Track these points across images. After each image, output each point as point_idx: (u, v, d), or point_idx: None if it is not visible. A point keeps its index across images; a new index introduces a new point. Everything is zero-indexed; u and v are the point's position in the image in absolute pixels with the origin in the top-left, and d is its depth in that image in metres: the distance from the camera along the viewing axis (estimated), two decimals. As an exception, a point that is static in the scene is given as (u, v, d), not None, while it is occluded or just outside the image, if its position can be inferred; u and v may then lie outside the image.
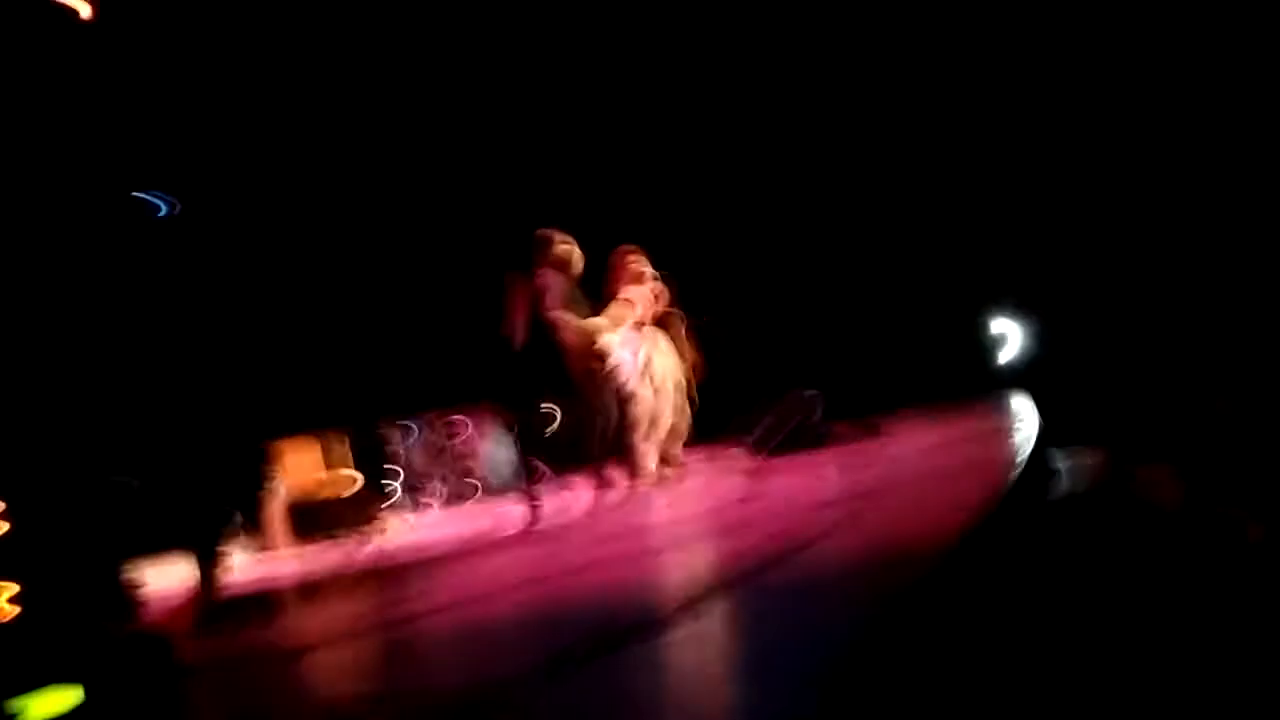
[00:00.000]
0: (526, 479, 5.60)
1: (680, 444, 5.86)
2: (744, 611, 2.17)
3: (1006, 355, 8.16)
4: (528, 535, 4.52)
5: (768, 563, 2.57)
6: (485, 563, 3.82)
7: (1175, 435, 4.96)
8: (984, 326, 8.27)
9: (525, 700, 1.78)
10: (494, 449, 6.59)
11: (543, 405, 6.29)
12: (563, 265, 5.35)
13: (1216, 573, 3.22)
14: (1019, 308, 8.20)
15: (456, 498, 6.51)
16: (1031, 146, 7.76)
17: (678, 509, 4.59)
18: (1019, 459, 3.92)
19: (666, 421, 5.63)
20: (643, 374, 5.59)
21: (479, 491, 6.38)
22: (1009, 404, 6.22)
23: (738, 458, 5.80)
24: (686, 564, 2.94)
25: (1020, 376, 7.48)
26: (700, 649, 1.96)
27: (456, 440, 6.49)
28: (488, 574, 3.50)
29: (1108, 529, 3.86)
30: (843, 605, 2.06)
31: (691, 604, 2.20)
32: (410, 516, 6.34)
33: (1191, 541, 3.60)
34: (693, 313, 6.07)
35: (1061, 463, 4.68)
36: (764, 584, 2.37)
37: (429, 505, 6.47)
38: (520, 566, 3.46)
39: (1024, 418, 5.45)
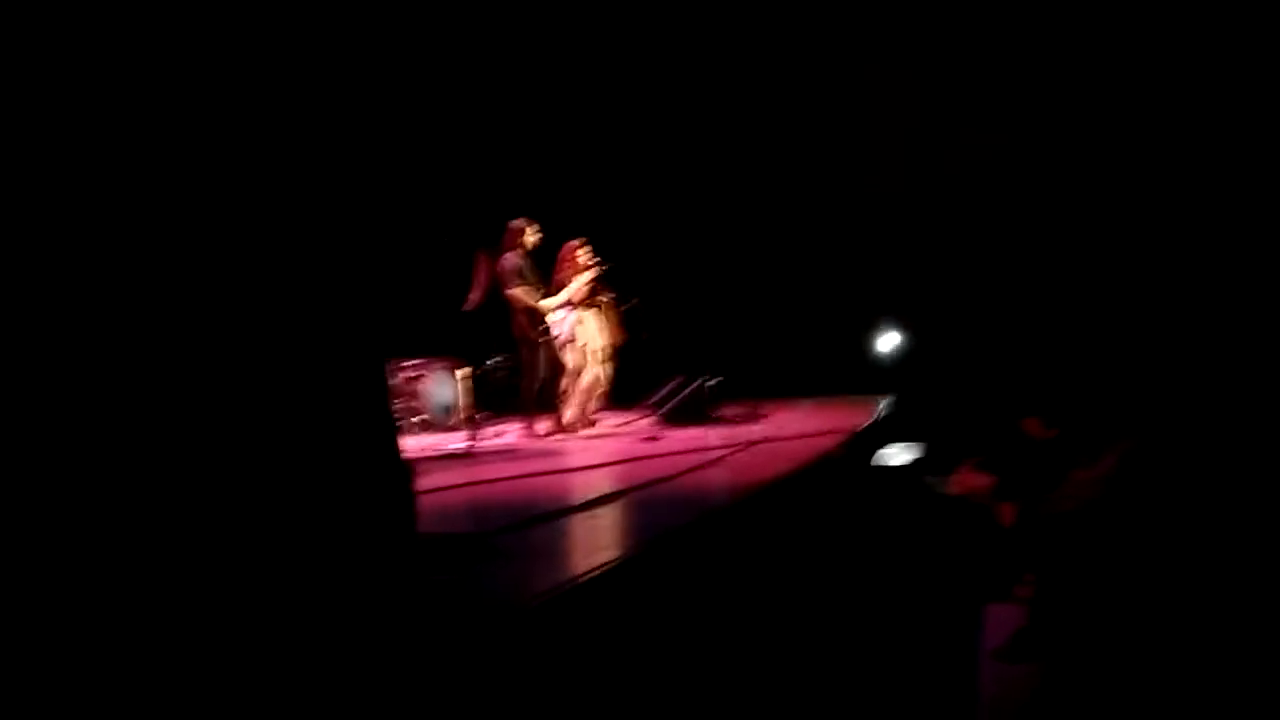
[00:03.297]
0: (467, 419, 6.90)
1: (598, 404, 7.22)
2: (627, 508, 3.54)
3: (884, 359, 9.77)
4: (463, 455, 5.77)
5: (654, 482, 3.96)
6: (429, 469, 5.03)
7: (992, 443, 6.45)
8: (868, 331, 9.86)
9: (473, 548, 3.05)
10: (439, 391, 7.82)
11: (489, 361, 7.64)
12: (524, 248, 6.73)
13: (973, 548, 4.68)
14: (899, 317, 9.79)
15: (402, 428, 7.71)
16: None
17: (590, 446, 5.95)
18: (858, 442, 5.39)
19: (589, 384, 6.98)
20: (574, 343, 6.93)
21: (423, 425, 7.60)
22: (874, 401, 7.75)
23: (643, 419, 7.20)
24: (592, 478, 4.31)
25: (890, 379, 9.07)
26: (590, 527, 3.31)
27: (405, 377, 7.69)
28: (429, 480, 4.69)
29: (911, 504, 5.31)
30: (696, 509, 3.44)
31: (590, 504, 3.56)
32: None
33: (962, 519, 5.04)
34: (622, 296, 7.38)
35: (896, 453, 6.19)
36: (647, 495, 3.75)
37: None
38: (457, 474, 4.68)
39: (880, 412, 6.98)
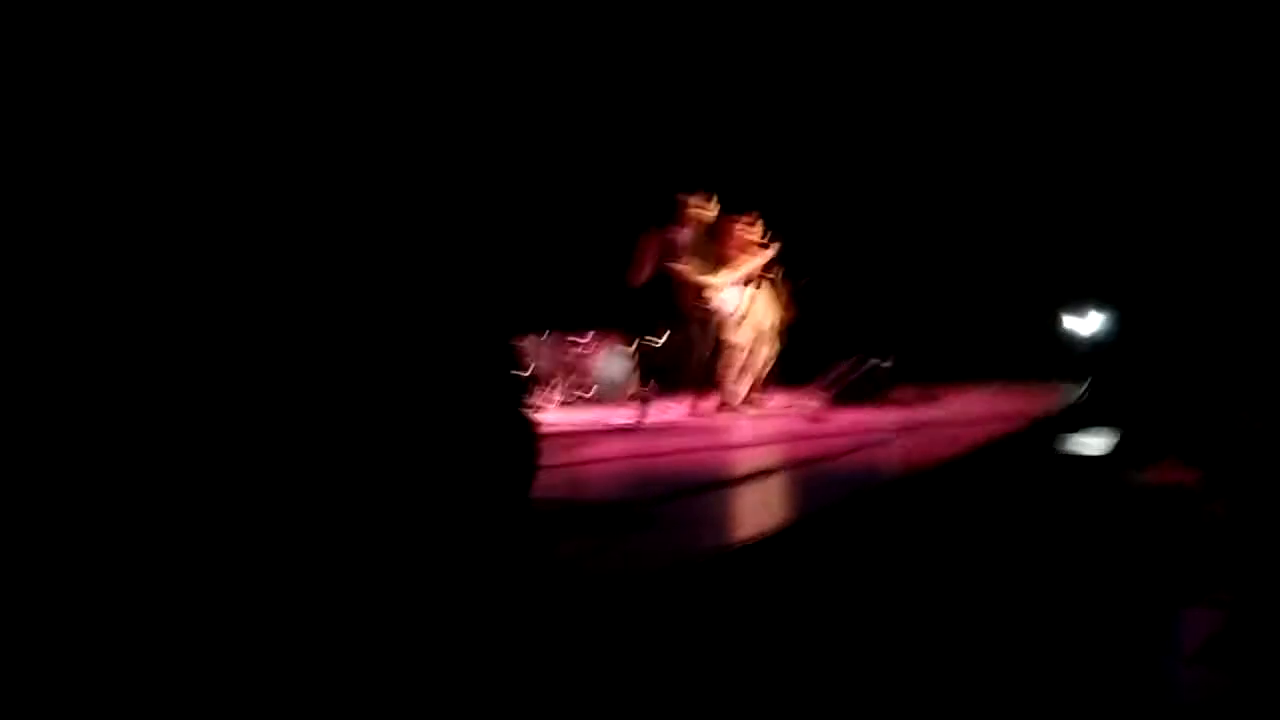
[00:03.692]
0: (634, 395, 7.00)
1: (764, 383, 7.13)
2: (786, 484, 3.48)
3: (1081, 343, 9.09)
4: (629, 430, 5.84)
5: (817, 459, 3.87)
6: (595, 441, 5.13)
7: (1199, 436, 5.91)
8: (1062, 313, 9.20)
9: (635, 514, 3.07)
10: (608, 366, 7.96)
11: (656, 338, 7.70)
12: (695, 223, 6.72)
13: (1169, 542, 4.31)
14: (1101, 298, 9.08)
15: (571, 401, 7.92)
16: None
17: (753, 424, 5.88)
18: (1044, 428, 5.05)
19: (755, 362, 6.89)
20: (741, 321, 6.86)
21: (591, 400, 7.76)
22: (1065, 387, 7.24)
23: (811, 400, 7.04)
24: (752, 455, 4.25)
25: (1086, 364, 8.44)
26: (745, 501, 3.26)
27: (577, 352, 7.87)
28: (596, 450, 4.79)
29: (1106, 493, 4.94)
30: (857, 487, 3.33)
31: (747, 478, 3.51)
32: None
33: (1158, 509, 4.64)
34: (793, 273, 7.24)
35: (1088, 441, 5.76)
36: (809, 471, 3.66)
37: (548, 403, 7.84)
38: (621, 447, 4.75)
39: (1071, 398, 6.53)
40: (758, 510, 3.13)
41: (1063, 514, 4.42)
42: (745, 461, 4.04)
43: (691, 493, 3.28)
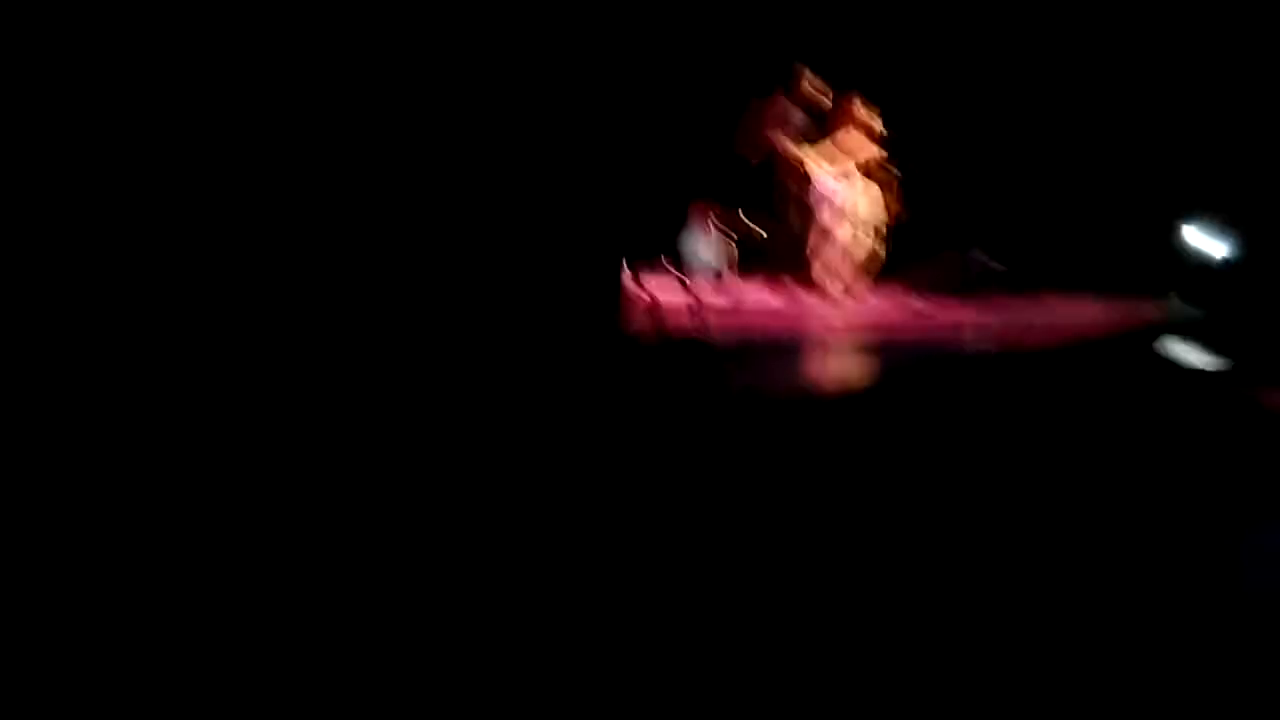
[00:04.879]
0: (723, 275, 6.95)
1: (859, 274, 6.99)
2: (869, 355, 3.46)
3: (1203, 260, 8.60)
4: (715, 307, 5.81)
5: (914, 339, 3.83)
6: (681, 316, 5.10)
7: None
8: (1183, 232, 8.70)
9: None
10: (697, 245, 7.90)
11: (749, 219, 7.57)
12: (803, 101, 6.51)
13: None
14: (1220, 220, 8.55)
15: (662, 279, 7.89)
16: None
17: (843, 309, 5.81)
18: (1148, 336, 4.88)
19: (851, 249, 6.76)
20: (843, 210, 6.71)
21: (681, 276, 7.71)
22: (1176, 301, 6.93)
23: (910, 294, 6.89)
24: (839, 334, 4.24)
25: (1206, 282, 8.01)
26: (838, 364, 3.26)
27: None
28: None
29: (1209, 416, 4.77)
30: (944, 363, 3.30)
31: (838, 347, 3.50)
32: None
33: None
34: (905, 169, 7.00)
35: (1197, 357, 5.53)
36: (902, 347, 3.63)
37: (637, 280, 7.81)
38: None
39: (1182, 312, 6.27)
40: (842, 372, 3.14)
41: (1160, 423, 4.29)
42: (833, 336, 4.03)
43: (778, 353, 3.30)
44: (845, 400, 2.83)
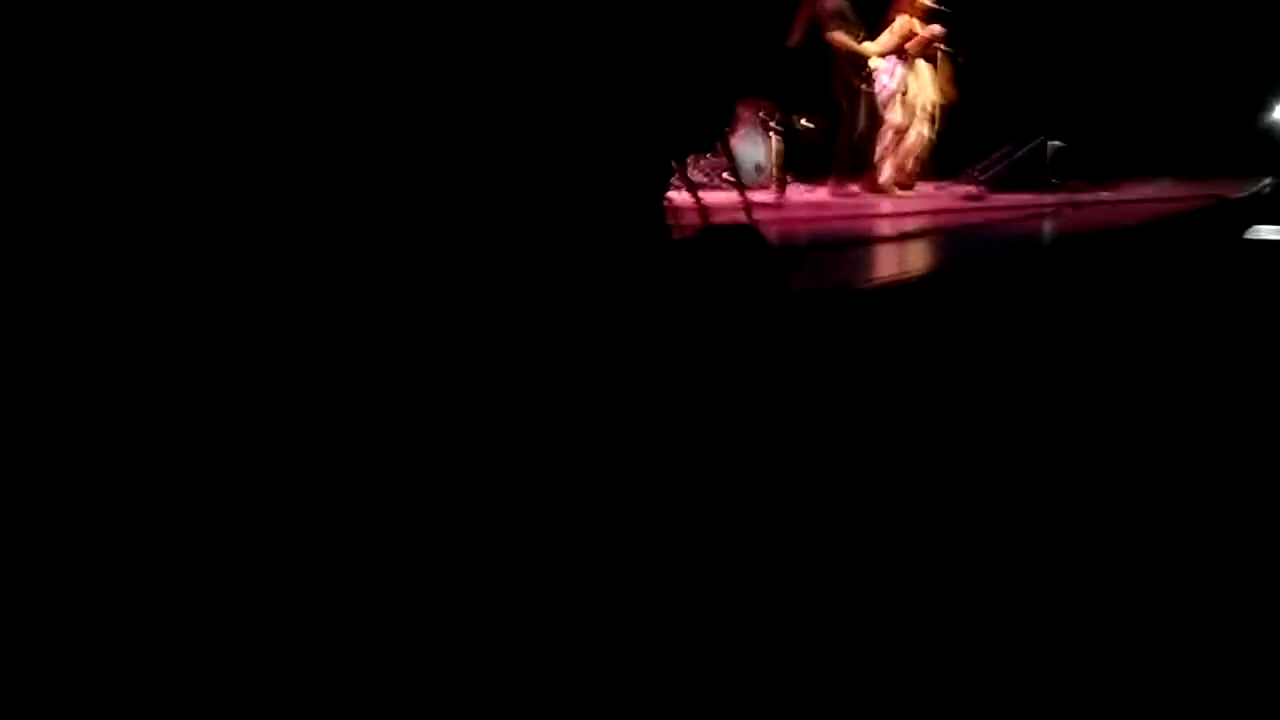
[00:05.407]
0: (777, 179, 6.77)
1: (919, 168, 6.78)
2: (942, 239, 3.37)
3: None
4: (771, 207, 5.71)
5: (972, 226, 3.72)
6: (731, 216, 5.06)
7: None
8: (1257, 110, 8.25)
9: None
10: (750, 148, 7.70)
11: (803, 121, 7.33)
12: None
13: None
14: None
15: (712, 183, 7.76)
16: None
17: (905, 202, 5.67)
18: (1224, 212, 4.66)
19: (911, 146, 6.54)
20: (899, 99, 6.46)
21: (731, 183, 7.57)
22: (1254, 180, 6.60)
23: (969, 184, 6.68)
24: (902, 223, 4.12)
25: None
26: (900, 253, 3.18)
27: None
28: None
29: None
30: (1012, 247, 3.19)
31: (900, 237, 3.40)
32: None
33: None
34: (961, 52, 6.70)
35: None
36: (963, 232, 3.53)
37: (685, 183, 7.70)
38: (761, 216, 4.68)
39: (1260, 188, 5.97)
40: (905, 260, 3.06)
41: (1240, 302, 4.12)
42: (892, 226, 3.92)
43: (837, 247, 3.22)
44: (904, 290, 2.75)
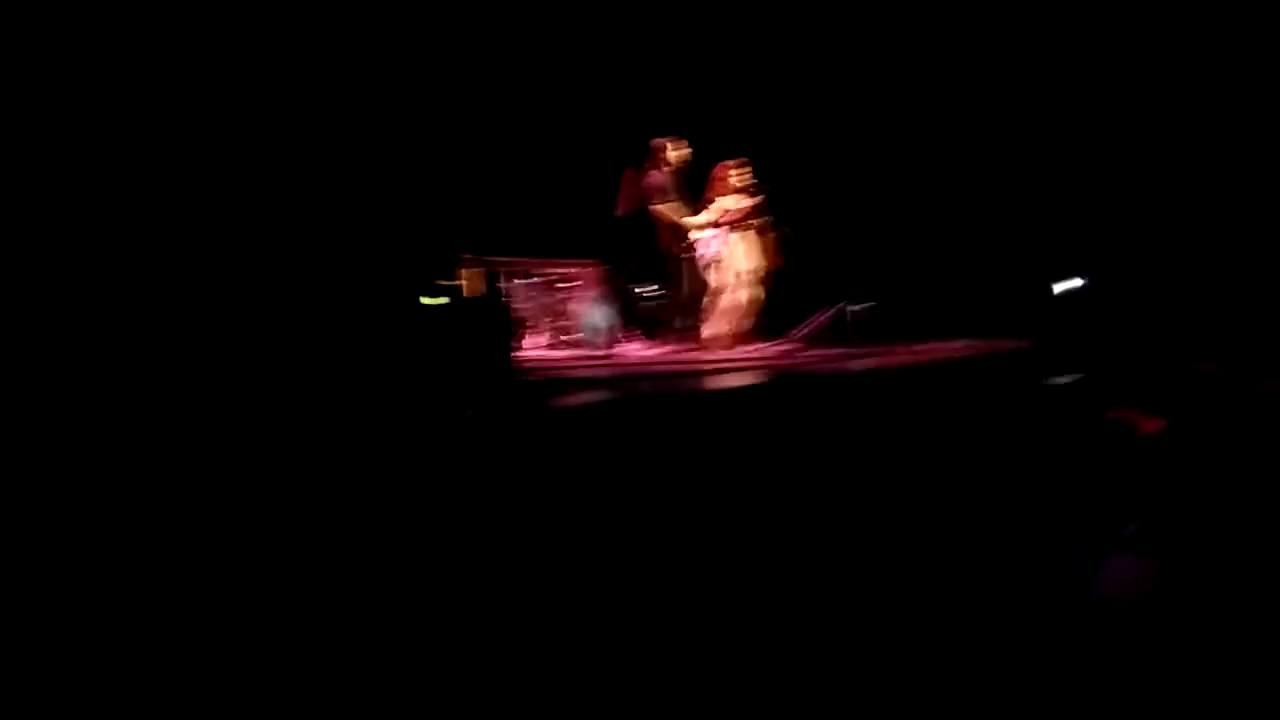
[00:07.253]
0: (616, 340, 7.25)
1: (747, 327, 7.39)
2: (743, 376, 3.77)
3: (1059, 304, 9.35)
4: (604, 359, 6.12)
5: (787, 369, 4.16)
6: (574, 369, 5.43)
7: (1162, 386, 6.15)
8: (1040, 280, 9.46)
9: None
10: (592, 310, 8.18)
11: (640, 290, 7.94)
12: (668, 165, 6.98)
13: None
14: (1081, 262, 9.33)
15: (555, 344, 8.15)
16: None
17: (725, 357, 6.20)
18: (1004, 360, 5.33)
19: (732, 305, 7.16)
20: (722, 266, 7.12)
21: (574, 341, 7.99)
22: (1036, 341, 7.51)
23: (786, 343, 7.31)
24: (728, 366, 4.55)
25: (1062, 322, 8.70)
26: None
27: (561, 296, 8.09)
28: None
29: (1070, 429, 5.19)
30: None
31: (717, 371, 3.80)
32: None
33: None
34: (781, 223, 7.47)
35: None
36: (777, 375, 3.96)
37: (532, 345, 8.06)
38: (601, 366, 5.08)
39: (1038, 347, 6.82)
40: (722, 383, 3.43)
41: (1010, 437, 4.69)
42: (713, 366, 4.35)
43: (661, 378, 3.59)
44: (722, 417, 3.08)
